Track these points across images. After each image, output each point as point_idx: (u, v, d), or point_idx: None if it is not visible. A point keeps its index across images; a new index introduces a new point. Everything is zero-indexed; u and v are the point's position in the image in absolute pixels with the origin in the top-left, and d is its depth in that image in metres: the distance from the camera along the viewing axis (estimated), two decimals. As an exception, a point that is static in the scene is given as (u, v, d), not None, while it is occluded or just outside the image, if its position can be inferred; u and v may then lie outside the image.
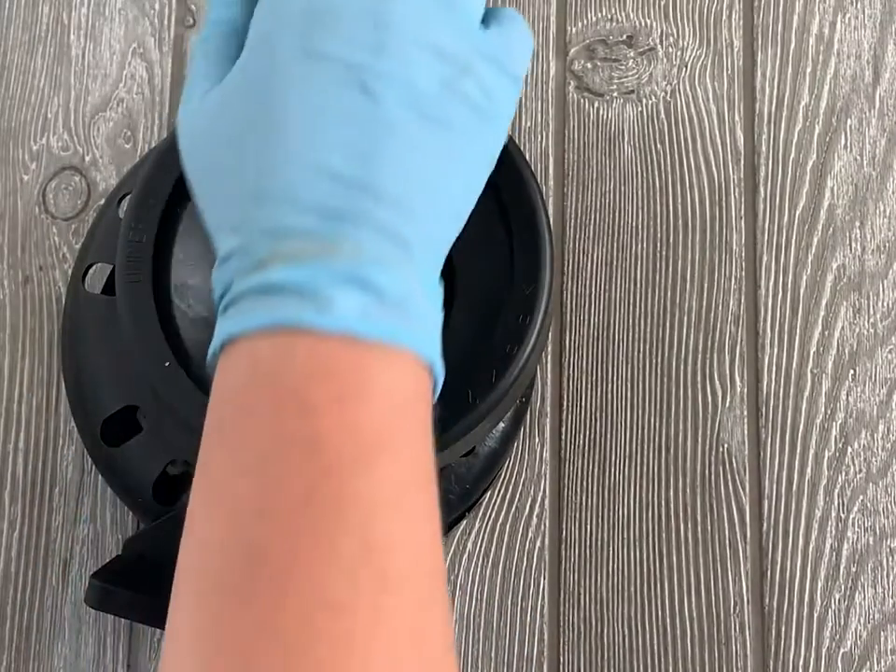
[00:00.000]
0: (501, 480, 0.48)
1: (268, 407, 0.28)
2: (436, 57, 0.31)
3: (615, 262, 0.50)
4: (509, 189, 0.39)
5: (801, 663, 0.47)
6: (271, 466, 0.28)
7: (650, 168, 0.51)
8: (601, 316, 0.50)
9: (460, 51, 0.32)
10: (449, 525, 0.47)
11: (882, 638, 0.47)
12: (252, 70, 0.32)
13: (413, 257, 0.31)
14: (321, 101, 0.30)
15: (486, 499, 0.48)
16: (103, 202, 0.50)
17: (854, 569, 0.47)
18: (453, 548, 0.48)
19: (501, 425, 0.46)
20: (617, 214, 0.51)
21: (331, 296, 0.29)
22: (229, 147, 0.32)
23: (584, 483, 0.48)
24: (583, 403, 0.49)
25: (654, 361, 0.49)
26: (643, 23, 0.53)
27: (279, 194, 0.30)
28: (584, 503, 0.48)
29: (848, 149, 0.51)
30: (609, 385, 0.49)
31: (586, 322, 0.50)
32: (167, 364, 0.40)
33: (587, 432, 0.49)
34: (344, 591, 0.26)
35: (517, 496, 0.48)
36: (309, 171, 0.30)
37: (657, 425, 0.49)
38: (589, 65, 0.53)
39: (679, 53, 0.52)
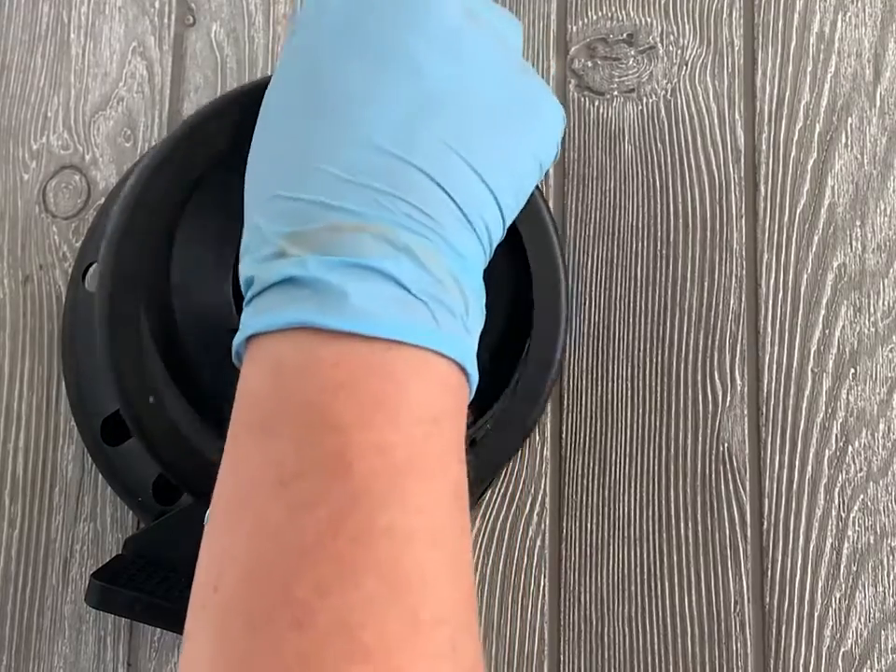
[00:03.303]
0: (502, 478, 0.48)
1: (294, 425, 0.26)
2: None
3: (615, 261, 0.50)
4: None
5: (801, 661, 0.47)
6: (295, 487, 0.26)
7: (650, 167, 0.51)
8: (601, 316, 0.50)
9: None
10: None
11: (882, 637, 0.47)
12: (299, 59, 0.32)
13: (449, 242, 0.29)
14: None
15: (487, 498, 0.48)
16: (103, 200, 0.51)
17: (854, 568, 0.47)
18: (453, 547, 0.48)
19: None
20: (617, 212, 0.51)
21: (351, 293, 0.27)
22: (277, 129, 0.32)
23: (585, 482, 0.48)
24: (583, 402, 0.49)
25: (654, 360, 0.49)
26: (643, 22, 0.53)
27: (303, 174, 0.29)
28: (585, 502, 0.48)
29: (849, 148, 0.51)
30: (609, 385, 0.49)
31: (586, 322, 0.50)
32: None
33: (587, 431, 0.49)
34: (372, 635, 0.24)
35: (518, 494, 0.48)
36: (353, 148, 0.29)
37: (657, 424, 0.49)
38: (589, 64, 0.53)
39: (679, 52, 0.52)
